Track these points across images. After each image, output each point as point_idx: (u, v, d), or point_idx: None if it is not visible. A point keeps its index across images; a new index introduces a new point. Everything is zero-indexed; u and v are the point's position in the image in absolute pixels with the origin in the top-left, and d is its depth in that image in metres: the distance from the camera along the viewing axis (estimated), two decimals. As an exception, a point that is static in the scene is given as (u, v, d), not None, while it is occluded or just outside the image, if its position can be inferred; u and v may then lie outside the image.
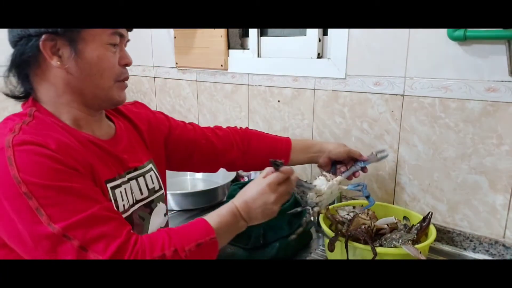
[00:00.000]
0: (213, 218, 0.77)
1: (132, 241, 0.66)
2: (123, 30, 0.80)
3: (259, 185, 0.81)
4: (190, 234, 0.72)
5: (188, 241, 0.71)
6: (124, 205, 0.81)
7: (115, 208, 0.77)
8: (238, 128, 1.17)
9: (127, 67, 0.85)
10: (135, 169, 0.88)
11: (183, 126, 1.09)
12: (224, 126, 1.18)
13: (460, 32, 1.04)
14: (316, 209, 0.93)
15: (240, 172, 1.65)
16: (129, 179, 0.86)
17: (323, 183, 0.93)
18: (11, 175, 0.63)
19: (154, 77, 2.01)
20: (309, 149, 1.13)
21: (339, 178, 0.99)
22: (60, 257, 0.63)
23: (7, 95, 0.81)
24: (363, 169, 1.09)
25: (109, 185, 0.78)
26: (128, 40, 0.87)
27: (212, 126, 1.17)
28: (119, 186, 0.81)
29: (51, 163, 0.66)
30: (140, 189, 0.88)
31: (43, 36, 0.73)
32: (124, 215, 0.80)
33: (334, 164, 1.13)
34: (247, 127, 1.19)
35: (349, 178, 1.10)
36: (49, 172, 0.65)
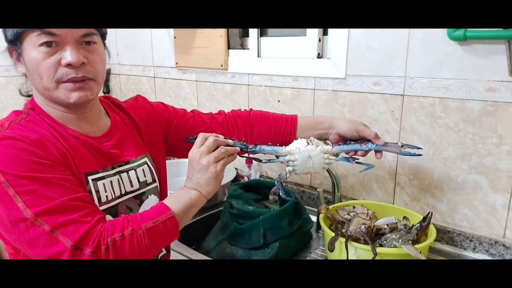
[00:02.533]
0: (168, 199, 0.84)
1: (99, 227, 0.73)
2: (57, 30, 0.77)
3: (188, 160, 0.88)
4: (147, 215, 0.78)
5: (144, 220, 0.77)
6: (107, 196, 0.86)
7: (96, 199, 0.83)
8: (242, 110, 1.15)
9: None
10: (127, 163, 0.92)
11: (183, 115, 1.10)
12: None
13: (460, 32, 1.04)
14: (288, 168, 0.96)
15: (240, 171, 1.65)
16: (118, 172, 0.90)
17: (300, 144, 0.94)
18: None
19: (154, 77, 2.01)
20: (317, 126, 1.07)
21: (326, 147, 0.95)
22: (33, 238, 0.70)
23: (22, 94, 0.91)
24: (376, 153, 0.98)
25: (90, 177, 0.83)
26: (98, 34, 0.84)
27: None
28: (102, 178, 0.86)
29: (26, 155, 0.73)
30: (131, 182, 0.92)
31: (8, 47, 0.82)
32: (107, 205, 0.86)
33: (348, 142, 1.02)
34: (251, 109, 1.15)
35: (352, 155, 1.00)
36: (24, 164, 0.72)
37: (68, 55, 0.78)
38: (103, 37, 0.88)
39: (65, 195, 0.73)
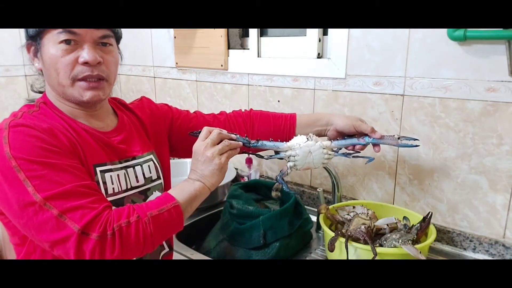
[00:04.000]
0: (173, 189, 0.85)
1: (105, 213, 0.74)
2: (77, 29, 0.81)
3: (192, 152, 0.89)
4: (153, 204, 0.80)
5: (150, 208, 0.78)
6: (113, 188, 0.88)
7: (103, 190, 0.85)
8: (243, 110, 1.18)
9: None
10: (133, 158, 0.94)
11: (186, 115, 1.13)
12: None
13: (460, 32, 1.04)
14: (289, 164, 0.97)
15: (240, 171, 1.65)
16: (125, 167, 0.92)
17: (300, 140, 0.95)
18: (4, 151, 0.73)
19: (154, 77, 2.01)
20: (315, 123, 1.11)
21: (325, 142, 0.97)
22: (41, 222, 0.71)
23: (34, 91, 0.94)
24: (374, 147, 1.01)
25: (98, 168, 0.86)
26: (114, 37, 0.88)
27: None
28: (109, 170, 0.88)
29: (37, 142, 0.75)
30: (136, 177, 0.94)
31: (26, 42, 0.85)
32: (113, 198, 0.88)
33: (345, 137, 1.03)
34: (251, 109, 1.18)
35: (351, 149, 1.01)
36: (35, 150, 0.74)
37: (86, 54, 0.82)
38: (118, 40, 0.91)
39: (74, 181, 0.74)
